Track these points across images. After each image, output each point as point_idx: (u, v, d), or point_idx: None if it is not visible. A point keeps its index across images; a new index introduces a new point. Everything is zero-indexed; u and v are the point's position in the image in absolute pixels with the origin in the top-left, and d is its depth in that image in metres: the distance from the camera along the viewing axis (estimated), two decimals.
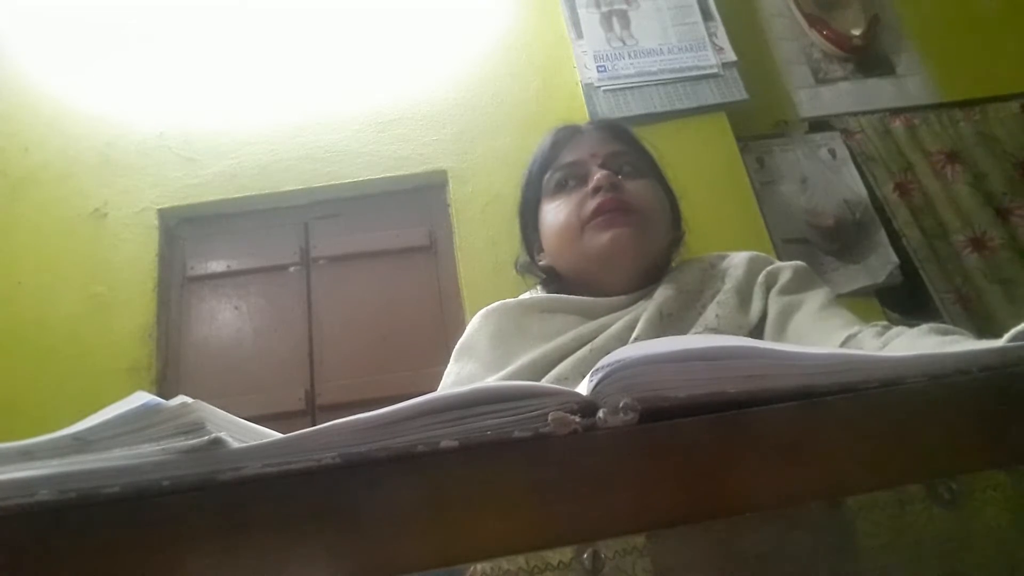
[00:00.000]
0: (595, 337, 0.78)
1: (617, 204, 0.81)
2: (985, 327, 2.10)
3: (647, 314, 0.77)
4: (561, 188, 0.86)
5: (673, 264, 0.89)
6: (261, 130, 2.31)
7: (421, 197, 2.30)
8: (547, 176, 0.88)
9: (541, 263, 0.91)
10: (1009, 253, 2.27)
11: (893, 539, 0.36)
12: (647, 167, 0.89)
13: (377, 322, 2.11)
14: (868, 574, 0.37)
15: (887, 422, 0.34)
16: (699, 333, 0.76)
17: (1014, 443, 0.34)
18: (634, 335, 0.76)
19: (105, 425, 0.32)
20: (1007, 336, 0.37)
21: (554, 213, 0.85)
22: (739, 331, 0.76)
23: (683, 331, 0.77)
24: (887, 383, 0.34)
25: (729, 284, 0.80)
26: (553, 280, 0.90)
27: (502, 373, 0.77)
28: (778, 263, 0.84)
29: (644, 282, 0.83)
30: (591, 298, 0.83)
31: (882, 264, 2.24)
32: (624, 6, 2.46)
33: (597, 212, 0.81)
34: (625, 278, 0.83)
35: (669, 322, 0.78)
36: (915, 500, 0.36)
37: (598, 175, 0.82)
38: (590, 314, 0.82)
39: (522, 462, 0.32)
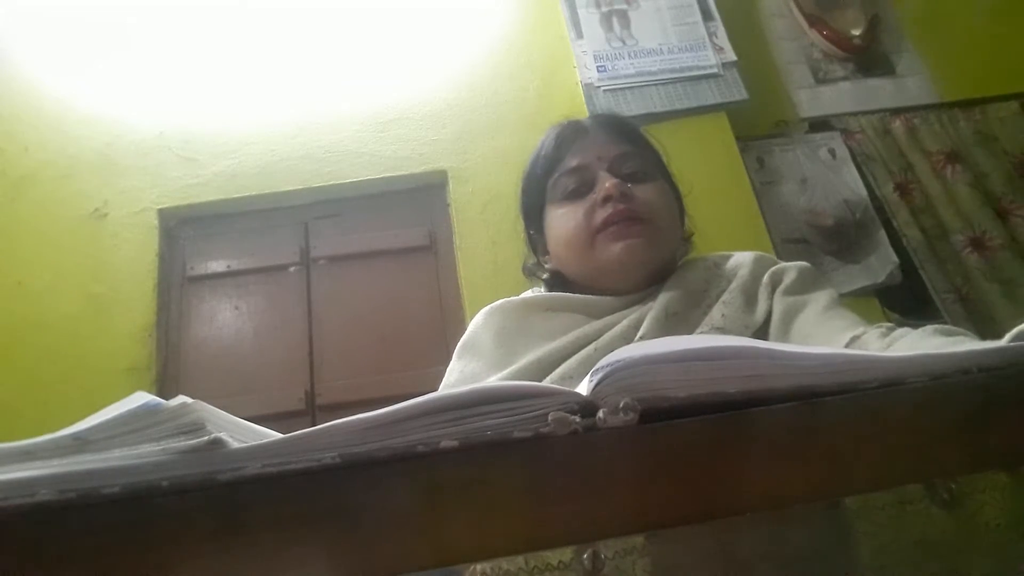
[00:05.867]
0: (600, 336, 0.77)
1: (627, 214, 0.79)
2: (985, 327, 2.11)
3: (653, 313, 0.77)
4: (567, 194, 0.84)
5: (678, 263, 0.88)
6: (261, 130, 2.31)
7: (421, 197, 2.30)
8: (552, 180, 0.86)
9: (547, 266, 0.89)
10: (1009, 253, 2.27)
11: (892, 539, 0.36)
12: (654, 167, 0.88)
13: (377, 322, 2.11)
14: (867, 574, 0.37)
15: (887, 422, 0.34)
16: (704, 332, 0.76)
17: (1014, 443, 0.34)
18: (639, 334, 0.76)
19: (105, 425, 0.32)
20: (1008, 336, 0.37)
21: (562, 221, 0.84)
22: (744, 331, 0.76)
23: (688, 331, 0.77)
24: (887, 383, 0.34)
25: (735, 284, 0.80)
26: (559, 283, 0.89)
27: (506, 372, 0.77)
28: (783, 263, 0.83)
29: (650, 282, 0.83)
30: (596, 297, 0.83)
31: (882, 264, 2.24)
32: (624, 6, 2.46)
33: (607, 223, 0.80)
34: (635, 284, 0.82)
35: (674, 321, 0.77)
36: (914, 500, 0.36)
37: (607, 184, 0.80)
38: (595, 313, 0.81)
39: (522, 462, 0.32)
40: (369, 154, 2.29)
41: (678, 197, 0.90)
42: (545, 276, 0.91)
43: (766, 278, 0.80)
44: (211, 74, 2.38)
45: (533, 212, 0.90)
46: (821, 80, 2.56)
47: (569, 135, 0.88)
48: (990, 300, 2.20)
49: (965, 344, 0.55)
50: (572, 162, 0.85)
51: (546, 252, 0.89)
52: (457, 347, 0.86)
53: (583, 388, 0.36)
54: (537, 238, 0.90)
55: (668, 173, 0.90)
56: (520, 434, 0.32)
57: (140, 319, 2.05)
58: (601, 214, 0.80)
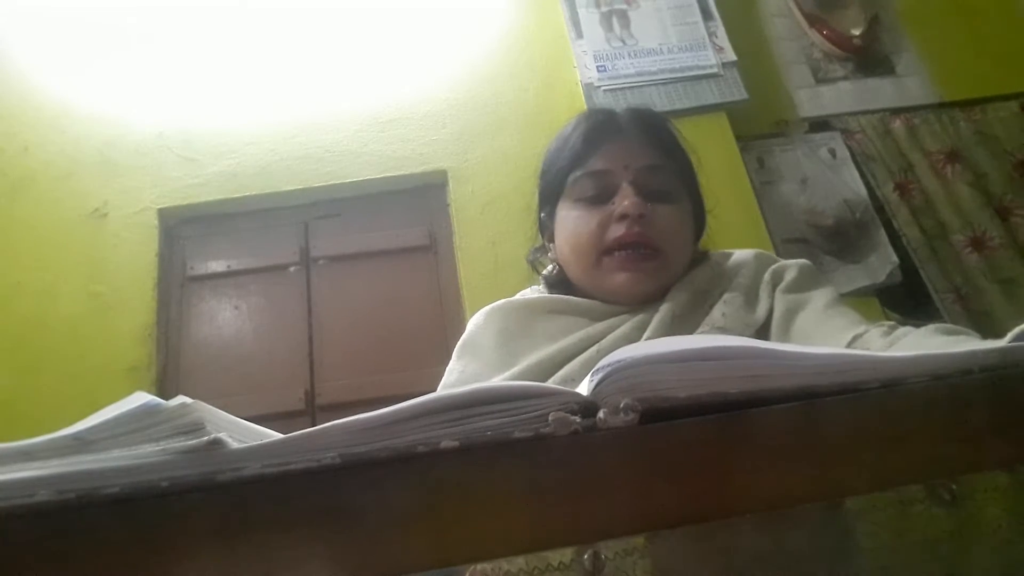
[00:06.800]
0: (603, 338, 0.77)
1: (640, 240, 0.77)
2: (985, 327, 2.10)
3: (659, 316, 0.76)
4: (584, 195, 0.81)
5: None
6: (261, 130, 2.31)
7: (421, 197, 2.30)
8: (574, 175, 0.83)
9: (551, 255, 0.88)
10: (1009, 253, 2.27)
11: (893, 540, 0.36)
12: (681, 184, 0.84)
13: (377, 322, 2.11)
14: (868, 574, 0.37)
15: (887, 423, 0.34)
16: (705, 332, 0.75)
17: (1015, 444, 0.34)
18: (645, 336, 0.75)
19: (105, 425, 0.32)
20: (1009, 336, 0.37)
21: (573, 223, 0.82)
22: (746, 330, 0.75)
23: (690, 330, 0.76)
24: (888, 383, 0.34)
25: (735, 283, 0.80)
26: (560, 279, 0.88)
27: (508, 373, 0.76)
28: (783, 261, 0.83)
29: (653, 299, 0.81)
30: (598, 302, 0.82)
31: (882, 264, 2.24)
32: (624, 6, 2.46)
33: (617, 245, 0.78)
34: (633, 305, 0.81)
35: (679, 323, 0.77)
36: (915, 501, 0.36)
37: (626, 203, 0.77)
38: (597, 315, 0.81)
39: (522, 462, 0.32)
40: (369, 154, 2.29)
41: (701, 213, 0.88)
42: (547, 269, 0.90)
43: (767, 276, 0.80)
44: (211, 74, 2.38)
45: (548, 197, 0.88)
46: (821, 80, 2.56)
47: (601, 131, 0.84)
48: (990, 300, 2.21)
49: (967, 343, 0.55)
50: (598, 164, 0.82)
51: (552, 240, 0.88)
52: (456, 347, 0.85)
53: (583, 388, 0.36)
54: (547, 222, 0.88)
55: (696, 186, 0.88)
56: (520, 434, 0.32)
57: (140, 319, 2.05)
58: (614, 231, 0.78)
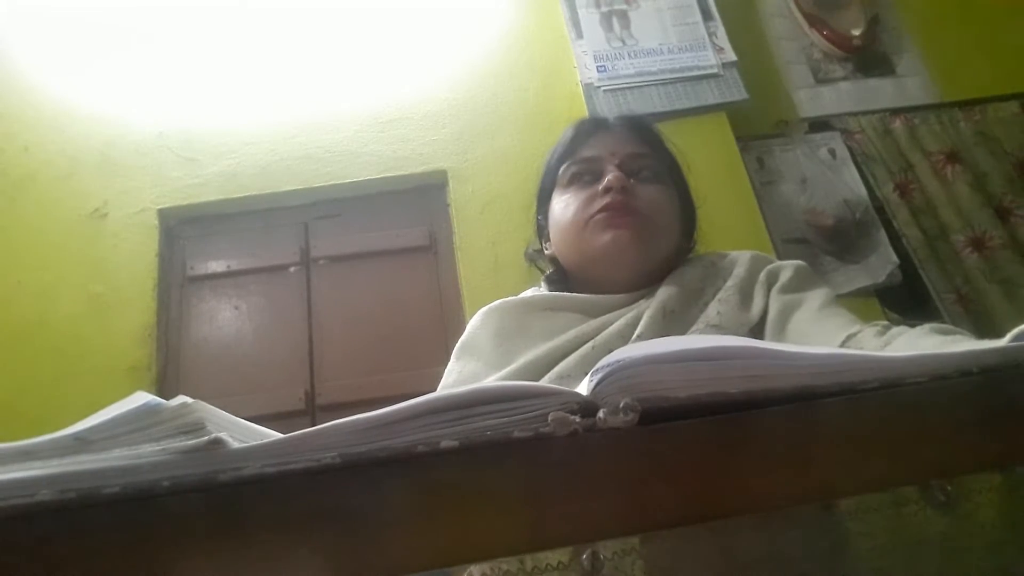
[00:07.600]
0: (597, 335, 0.78)
1: (623, 206, 0.81)
2: (985, 327, 2.10)
3: (650, 311, 0.78)
4: (574, 182, 0.86)
5: (677, 264, 0.89)
6: (261, 130, 2.31)
7: (421, 197, 2.30)
8: (563, 167, 0.88)
9: (548, 252, 0.91)
10: (1009, 253, 2.27)
11: (888, 541, 0.36)
12: (667, 172, 0.88)
13: (377, 322, 2.11)
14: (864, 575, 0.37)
15: (886, 423, 0.34)
16: (701, 330, 0.76)
17: (1011, 444, 0.34)
18: (637, 332, 0.76)
19: (105, 425, 0.32)
20: (1008, 336, 0.37)
21: (562, 206, 0.86)
22: (740, 329, 0.76)
23: (685, 328, 0.77)
24: (887, 384, 0.34)
25: (731, 282, 0.81)
26: (558, 272, 0.90)
27: (504, 372, 0.77)
28: (779, 262, 0.84)
29: (646, 281, 0.83)
30: (593, 295, 0.83)
31: (882, 264, 2.24)
32: (624, 6, 2.46)
33: (602, 211, 0.81)
34: (625, 278, 0.83)
35: (672, 319, 0.78)
36: (910, 502, 0.36)
37: (611, 176, 0.81)
38: (592, 312, 0.82)
39: (522, 462, 0.32)
40: (369, 154, 2.29)
41: (689, 209, 0.91)
42: (546, 267, 0.92)
43: (762, 276, 0.81)
44: (211, 74, 2.38)
45: (543, 198, 0.92)
46: (821, 80, 2.56)
47: (589, 128, 0.90)
48: (990, 300, 2.20)
49: (962, 343, 0.55)
50: (585, 153, 0.87)
51: (549, 239, 0.90)
52: (455, 348, 0.86)
53: (583, 388, 0.36)
54: (544, 224, 0.92)
55: (683, 182, 0.91)
56: (520, 434, 0.32)
57: (140, 319, 2.05)
58: (599, 203, 0.82)
